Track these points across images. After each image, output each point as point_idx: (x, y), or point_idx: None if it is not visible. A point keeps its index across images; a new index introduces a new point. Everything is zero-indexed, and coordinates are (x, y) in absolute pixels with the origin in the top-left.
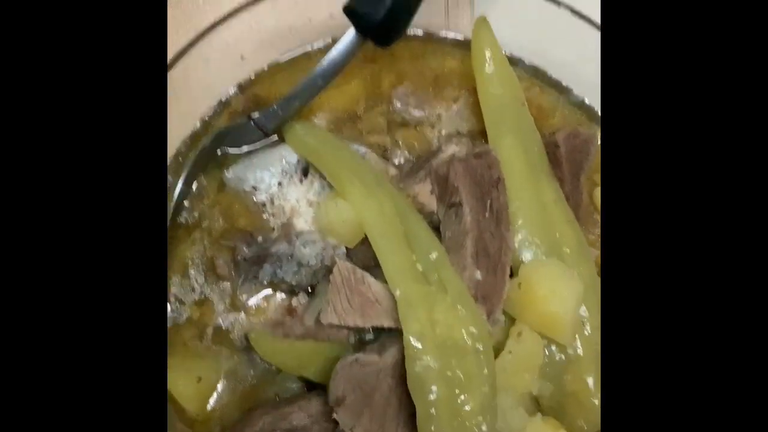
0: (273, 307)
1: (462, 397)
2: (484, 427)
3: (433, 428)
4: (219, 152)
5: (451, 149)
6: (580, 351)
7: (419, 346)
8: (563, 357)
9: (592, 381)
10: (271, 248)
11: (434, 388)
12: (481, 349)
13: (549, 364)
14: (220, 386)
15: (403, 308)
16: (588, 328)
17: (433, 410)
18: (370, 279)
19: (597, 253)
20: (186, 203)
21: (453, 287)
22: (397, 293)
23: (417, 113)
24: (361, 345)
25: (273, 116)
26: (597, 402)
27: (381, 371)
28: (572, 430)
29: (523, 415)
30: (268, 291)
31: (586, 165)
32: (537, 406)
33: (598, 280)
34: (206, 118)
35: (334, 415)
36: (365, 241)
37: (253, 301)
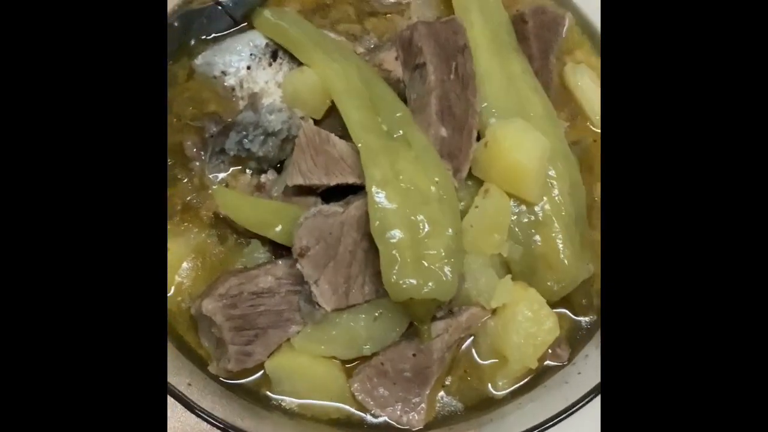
0: (242, 184)
1: (426, 241)
2: (447, 269)
3: (395, 271)
4: (188, 40)
5: (417, 17)
6: (549, 212)
7: (382, 192)
8: (532, 218)
9: (561, 241)
10: (237, 117)
11: (397, 232)
12: (446, 197)
13: (518, 226)
14: (187, 261)
15: (365, 157)
16: (556, 190)
17: (395, 252)
18: (335, 138)
19: (566, 125)
20: None
21: (417, 142)
22: (360, 144)
23: (386, 1)
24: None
25: (241, 2)
26: (567, 262)
27: (345, 223)
28: (542, 290)
29: (493, 277)
30: (237, 168)
31: (555, 44)
32: (507, 270)
33: (567, 146)
34: (176, 6)
35: (298, 266)
36: (331, 113)
37: (221, 178)
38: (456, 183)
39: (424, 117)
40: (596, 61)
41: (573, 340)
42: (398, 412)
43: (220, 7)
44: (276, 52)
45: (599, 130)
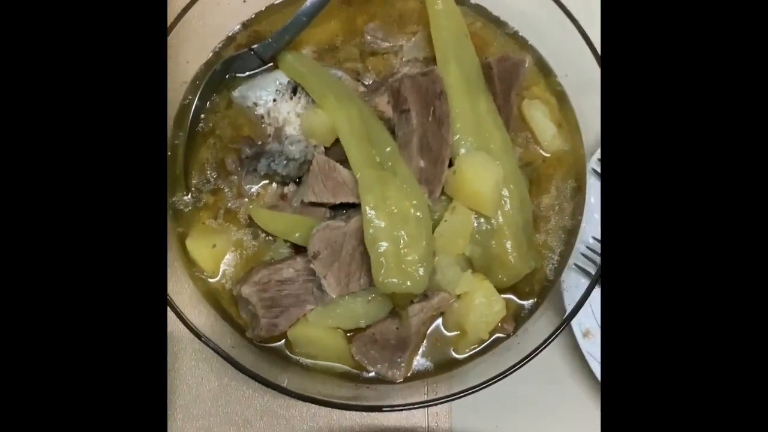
0: (269, 193)
1: (405, 250)
2: (421, 271)
3: (382, 273)
4: (228, 77)
5: (404, 70)
6: (502, 223)
7: (374, 213)
8: (489, 227)
9: (510, 245)
10: (266, 147)
11: (384, 243)
12: (421, 216)
13: (478, 233)
14: (229, 253)
15: (362, 185)
16: (508, 205)
17: (382, 259)
18: (340, 167)
19: (520, 151)
20: (203, 116)
21: (401, 172)
22: (358, 176)
23: (384, 44)
24: (333, 218)
25: (269, 47)
26: (513, 261)
27: (347, 234)
28: (495, 282)
29: (458, 271)
30: (265, 182)
31: (516, 83)
32: (470, 265)
33: (518, 171)
34: (217, 50)
35: (311, 266)
36: (338, 142)
37: (254, 190)
38: (430, 202)
39: (408, 152)
40: (549, 97)
41: (517, 317)
42: (385, 369)
43: (252, 52)
44: (296, 88)
45: (547, 154)
